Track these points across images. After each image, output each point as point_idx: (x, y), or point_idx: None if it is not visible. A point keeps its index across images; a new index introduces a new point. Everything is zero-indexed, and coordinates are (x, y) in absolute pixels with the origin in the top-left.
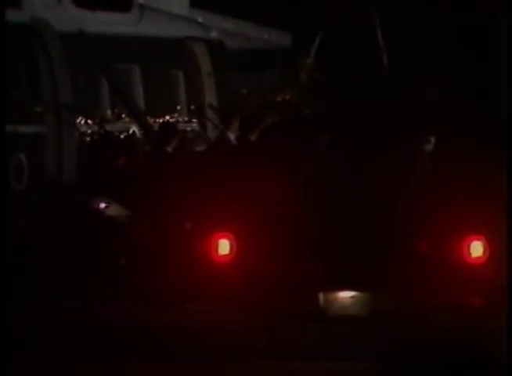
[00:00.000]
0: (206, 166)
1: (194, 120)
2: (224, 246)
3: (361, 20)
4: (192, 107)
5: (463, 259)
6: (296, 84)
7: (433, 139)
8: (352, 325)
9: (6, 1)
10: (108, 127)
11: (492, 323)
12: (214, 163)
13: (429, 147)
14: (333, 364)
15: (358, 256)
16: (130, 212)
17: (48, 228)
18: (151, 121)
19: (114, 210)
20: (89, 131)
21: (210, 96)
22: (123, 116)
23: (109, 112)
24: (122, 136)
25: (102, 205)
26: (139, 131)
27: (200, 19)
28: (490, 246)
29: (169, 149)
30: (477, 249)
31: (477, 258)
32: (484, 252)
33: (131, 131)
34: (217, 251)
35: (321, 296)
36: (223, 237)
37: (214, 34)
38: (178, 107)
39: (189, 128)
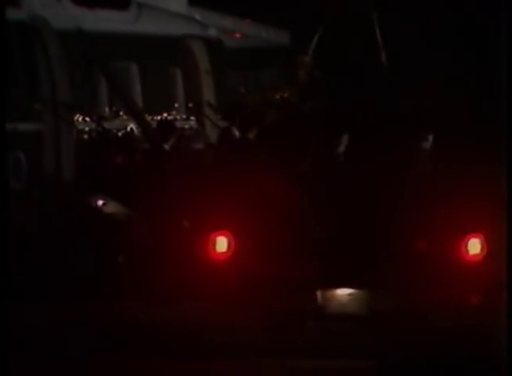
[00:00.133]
0: (204, 164)
1: (192, 118)
2: (222, 244)
3: (359, 19)
4: (190, 105)
5: (461, 257)
6: (294, 83)
7: (431, 138)
8: (350, 323)
9: None
10: (106, 124)
11: (491, 321)
12: (213, 160)
13: (427, 145)
14: (331, 362)
15: (356, 254)
16: (128, 210)
17: (46, 226)
18: (149, 118)
19: (112, 208)
20: (87, 128)
21: (208, 94)
22: (121, 113)
23: (107, 110)
24: (120, 134)
25: (100, 203)
26: (137, 128)
27: (198, 17)
28: (488, 243)
29: (167, 147)
30: (474, 247)
31: (475, 255)
32: (481, 250)
33: (129, 129)
34: (215, 249)
35: (319, 294)
36: (221, 235)
37: (212, 32)
38: (176, 105)
39: (187, 126)
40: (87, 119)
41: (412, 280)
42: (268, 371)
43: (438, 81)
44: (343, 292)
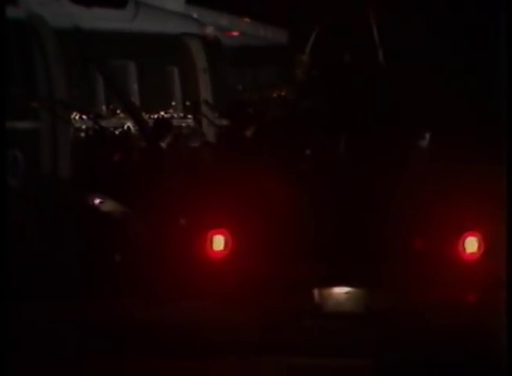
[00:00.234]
0: (201, 162)
1: (189, 116)
2: (219, 242)
3: (357, 17)
4: (187, 103)
5: (458, 255)
6: (292, 81)
7: (428, 136)
8: (347, 321)
9: None
10: (103, 123)
11: (489, 320)
12: (211, 159)
13: (424, 144)
14: (328, 360)
15: (353, 253)
16: (125, 208)
17: (42, 224)
18: (146, 117)
19: (109, 206)
20: (84, 127)
21: (205, 93)
22: (118, 112)
23: (104, 108)
24: (117, 132)
25: (97, 201)
26: (134, 127)
27: (195, 16)
28: (485, 242)
29: (164, 145)
30: (471, 245)
31: (472, 254)
32: (479, 248)
33: (126, 127)
34: (212, 248)
35: (316, 292)
36: (218, 233)
37: (209, 31)
38: (174, 103)
39: (184, 125)
40: (84, 117)
41: (410, 278)
42: (265, 369)
43: (437, 81)
44: (340, 291)
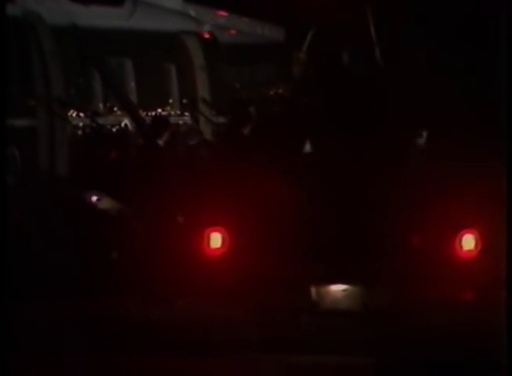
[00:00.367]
0: (199, 160)
1: (187, 114)
2: (216, 240)
3: (355, 16)
4: (184, 101)
5: (455, 253)
6: (289, 79)
7: (425, 134)
8: (345, 319)
9: None
10: (100, 120)
11: (487, 318)
12: (208, 156)
13: (422, 142)
14: (326, 358)
15: (351, 250)
16: (122, 206)
17: (40, 222)
18: (143, 114)
19: (106, 203)
20: (81, 124)
21: (202, 90)
22: (115, 109)
23: (101, 105)
24: (114, 130)
25: (95, 199)
26: (132, 124)
27: (192, 14)
28: (482, 239)
29: (161, 142)
30: (468, 242)
31: (469, 251)
32: (476, 246)
33: (123, 125)
34: (209, 245)
35: (313, 290)
36: (215, 231)
37: (206, 29)
38: (171, 101)
39: (181, 122)
40: (81, 115)
41: (407, 276)
42: (263, 367)
43: (436, 80)
44: (337, 288)
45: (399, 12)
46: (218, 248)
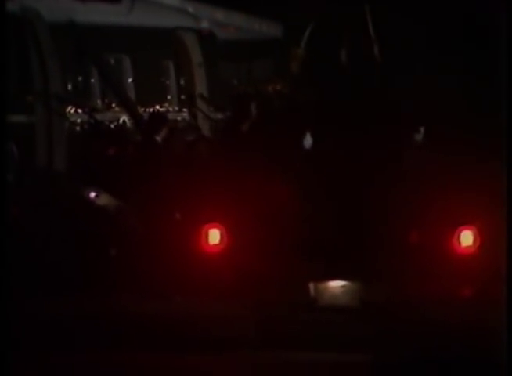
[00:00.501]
0: (197, 156)
1: (185, 110)
2: (214, 236)
3: (354, 13)
4: (182, 97)
5: (453, 249)
6: (287, 75)
7: (424, 131)
8: (343, 315)
9: None
10: (98, 116)
11: (486, 314)
12: (206, 153)
13: (420, 139)
14: (324, 354)
15: (349, 246)
16: (120, 202)
17: (37, 218)
18: (141, 110)
19: (104, 200)
20: (79, 120)
21: (200, 86)
22: (113, 105)
23: (99, 102)
24: (112, 126)
25: (93, 195)
26: (130, 120)
27: (190, 10)
28: (481, 235)
29: (159, 139)
30: (467, 239)
31: (468, 247)
32: (474, 242)
33: (121, 121)
34: (207, 242)
35: (311, 286)
36: (213, 227)
37: (204, 25)
38: (169, 97)
39: (179, 118)
40: (79, 111)
41: (405, 272)
42: (262, 363)
43: (436, 80)
44: (336, 284)
45: (399, 10)
46: (216, 245)
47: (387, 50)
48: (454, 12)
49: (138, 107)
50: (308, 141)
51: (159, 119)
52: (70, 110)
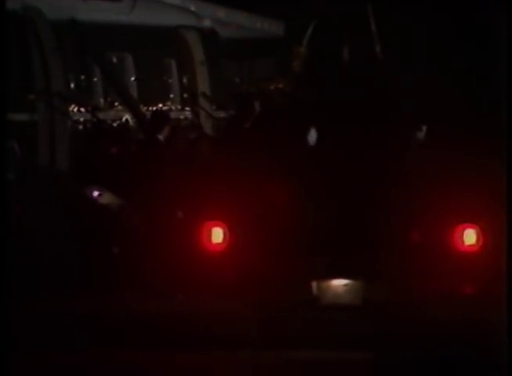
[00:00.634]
0: (199, 154)
1: (187, 108)
2: (217, 235)
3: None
4: (185, 96)
5: (457, 248)
6: (289, 73)
7: (426, 131)
8: (346, 314)
9: None
10: (101, 115)
11: (489, 313)
12: (209, 151)
13: (422, 139)
14: (326, 353)
15: (351, 245)
16: (123, 201)
17: (40, 217)
18: (144, 109)
19: (107, 198)
20: (82, 119)
21: (203, 85)
22: (116, 104)
23: (102, 100)
24: (115, 125)
25: (96, 194)
26: (132, 119)
27: (192, 8)
28: (484, 234)
29: (162, 137)
30: (470, 237)
31: (471, 246)
32: (477, 240)
33: (124, 120)
34: (210, 240)
35: (314, 284)
36: (216, 226)
37: (206, 23)
38: (171, 96)
39: (182, 117)
40: (82, 110)
41: (408, 271)
42: (265, 362)
43: (436, 80)
44: (338, 283)
45: (400, 10)
46: (219, 243)
47: (389, 49)
48: (454, 12)
49: (141, 106)
50: (312, 137)
51: (161, 118)
52: (73, 108)
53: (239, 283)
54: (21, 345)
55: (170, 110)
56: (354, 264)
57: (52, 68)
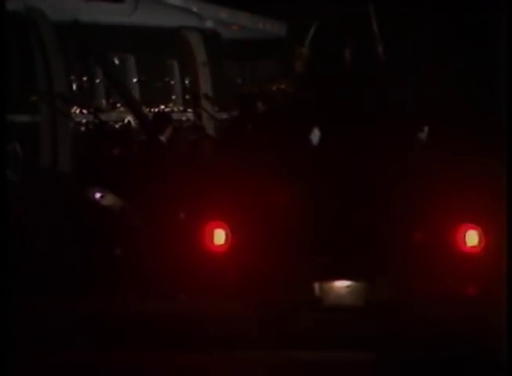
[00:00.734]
0: (202, 155)
1: (189, 109)
2: (219, 236)
3: (357, 12)
4: (187, 97)
5: (459, 249)
6: (291, 74)
7: (428, 131)
8: (348, 315)
9: None
10: (103, 116)
11: (490, 314)
12: (211, 152)
13: (423, 136)
14: (328, 354)
15: (353, 246)
16: (125, 202)
17: (42, 218)
18: (146, 110)
19: (110, 200)
20: (84, 120)
21: (205, 86)
22: (118, 105)
23: (104, 102)
24: (117, 126)
25: (98, 195)
26: (134, 120)
27: (194, 9)
28: (486, 235)
29: (164, 138)
30: (472, 238)
31: (473, 247)
32: (479, 242)
33: (126, 121)
34: (212, 241)
35: (316, 286)
36: (219, 227)
37: (208, 24)
38: (173, 97)
39: (184, 118)
40: (84, 111)
41: (411, 272)
42: (266, 363)
43: (436, 80)
44: (341, 284)
45: (401, 10)
46: (221, 245)
47: (390, 50)
48: (454, 12)
49: (143, 107)
50: (315, 136)
51: (163, 119)
52: (75, 110)
53: (241, 284)
54: (21, 345)
55: (172, 111)
56: (356, 265)
57: (55, 69)
